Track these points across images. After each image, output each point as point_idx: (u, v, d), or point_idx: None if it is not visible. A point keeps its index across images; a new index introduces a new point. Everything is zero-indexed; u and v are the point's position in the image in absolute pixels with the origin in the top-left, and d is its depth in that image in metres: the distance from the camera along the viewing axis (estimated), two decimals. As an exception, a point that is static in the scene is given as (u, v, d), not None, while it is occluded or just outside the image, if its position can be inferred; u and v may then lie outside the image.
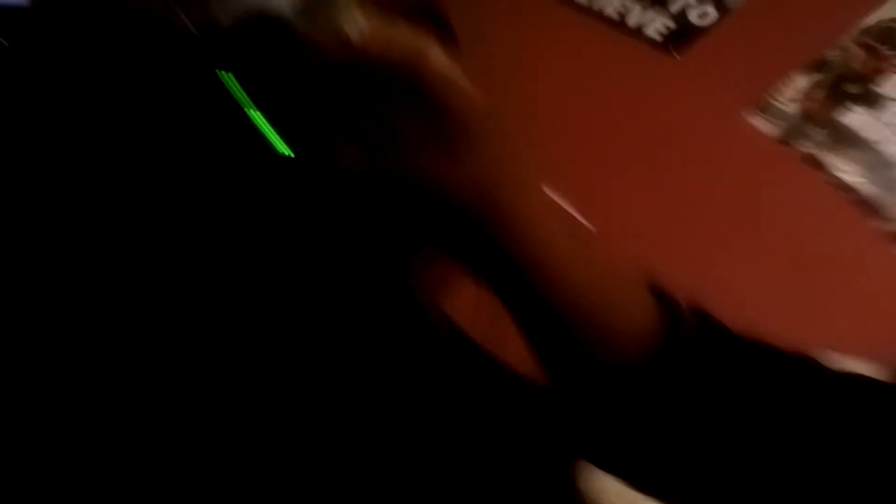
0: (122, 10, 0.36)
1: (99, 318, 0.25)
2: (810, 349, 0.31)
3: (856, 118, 1.09)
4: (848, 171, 1.08)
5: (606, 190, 1.10)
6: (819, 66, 1.13)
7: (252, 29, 0.35)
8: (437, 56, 0.24)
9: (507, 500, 0.34)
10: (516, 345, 0.32)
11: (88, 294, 0.25)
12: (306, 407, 0.27)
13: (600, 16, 1.34)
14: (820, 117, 1.11)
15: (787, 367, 0.30)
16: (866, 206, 1.05)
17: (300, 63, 0.26)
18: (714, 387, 0.28)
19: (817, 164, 1.09)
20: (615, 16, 1.34)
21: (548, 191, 0.29)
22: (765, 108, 1.12)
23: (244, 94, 0.36)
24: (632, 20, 1.33)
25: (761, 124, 1.11)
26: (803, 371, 0.30)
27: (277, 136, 0.36)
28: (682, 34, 1.27)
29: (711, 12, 1.25)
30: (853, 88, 1.12)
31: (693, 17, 1.27)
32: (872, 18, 1.12)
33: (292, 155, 0.35)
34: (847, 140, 1.09)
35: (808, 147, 1.10)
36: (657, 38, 1.31)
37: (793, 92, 1.12)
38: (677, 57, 1.25)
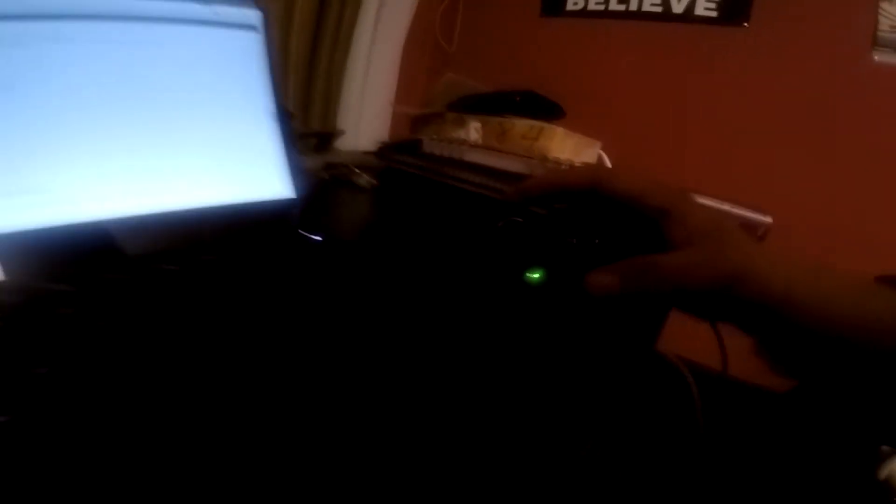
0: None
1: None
2: None
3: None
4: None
5: (769, 177, 0.98)
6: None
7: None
8: (608, 170, 0.33)
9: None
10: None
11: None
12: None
13: (646, 15, 1.26)
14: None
15: None
16: None
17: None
18: None
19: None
20: (659, 9, 1.26)
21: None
22: (886, 42, 1.00)
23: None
24: (677, 8, 1.25)
25: (890, 58, 0.98)
26: None
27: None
28: (734, 2, 1.17)
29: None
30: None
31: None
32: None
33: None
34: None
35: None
36: (712, 14, 1.22)
37: None
38: (746, 25, 1.15)
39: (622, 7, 1.28)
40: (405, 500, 0.22)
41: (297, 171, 0.48)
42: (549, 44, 1.35)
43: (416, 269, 0.42)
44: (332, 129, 1.08)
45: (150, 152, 0.41)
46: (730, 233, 0.33)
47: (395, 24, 1.29)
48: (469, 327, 0.36)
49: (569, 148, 0.71)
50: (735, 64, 1.13)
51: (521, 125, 0.66)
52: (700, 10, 1.23)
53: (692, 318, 0.36)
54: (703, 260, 0.31)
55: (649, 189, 0.32)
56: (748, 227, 0.68)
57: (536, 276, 0.43)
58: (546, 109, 0.71)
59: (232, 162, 0.45)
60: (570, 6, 1.36)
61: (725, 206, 0.70)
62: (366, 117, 1.22)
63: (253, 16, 0.49)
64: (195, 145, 0.43)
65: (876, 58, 1.00)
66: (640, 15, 1.27)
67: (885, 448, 0.43)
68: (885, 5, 1.01)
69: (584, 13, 1.33)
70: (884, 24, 1.02)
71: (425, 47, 1.46)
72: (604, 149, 0.90)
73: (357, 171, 0.74)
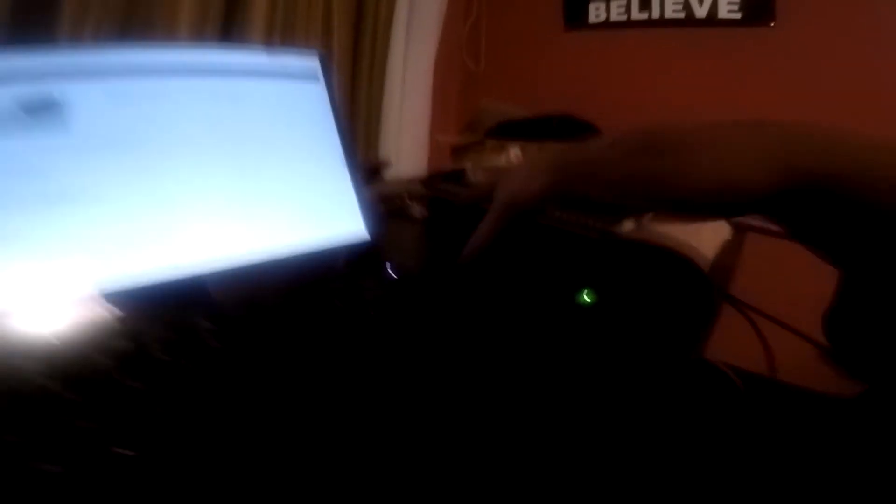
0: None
1: None
2: None
3: None
4: None
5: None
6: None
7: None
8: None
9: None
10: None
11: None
12: None
13: (669, 22, 1.28)
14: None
15: None
16: None
17: None
18: None
19: None
20: (681, 15, 1.28)
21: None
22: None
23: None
24: (699, 12, 1.26)
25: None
26: None
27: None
28: (755, 1, 1.18)
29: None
30: None
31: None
32: None
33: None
34: None
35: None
36: (736, 16, 1.23)
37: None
38: (773, 25, 1.16)
39: (644, 15, 1.31)
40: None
41: (370, 210, 0.53)
42: (576, 57, 1.39)
43: (485, 299, 0.46)
44: (378, 160, 1.14)
45: (238, 203, 0.46)
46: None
47: (423, 50, 1.35)
48: (531, 344, 0.39)
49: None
50: (764, 64, 1.15)
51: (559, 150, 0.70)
52: (724, 13, 1.24)
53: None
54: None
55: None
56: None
57: (588, 298, 0.48)
58: (581, 130, 0.75)
59: (313, 207, 0.50)
60: (592, 18, 1.39)
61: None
62: (404, 145, 1.28)
63: (314, 64, 0.54)
64: (278, 194, 0.48)
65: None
66: (662, 22, 1.29)
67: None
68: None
69: (607, 24, 1.36)
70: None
71: (453, 69, 1.51)
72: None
73: (409, 202, 0.79)
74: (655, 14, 1.30)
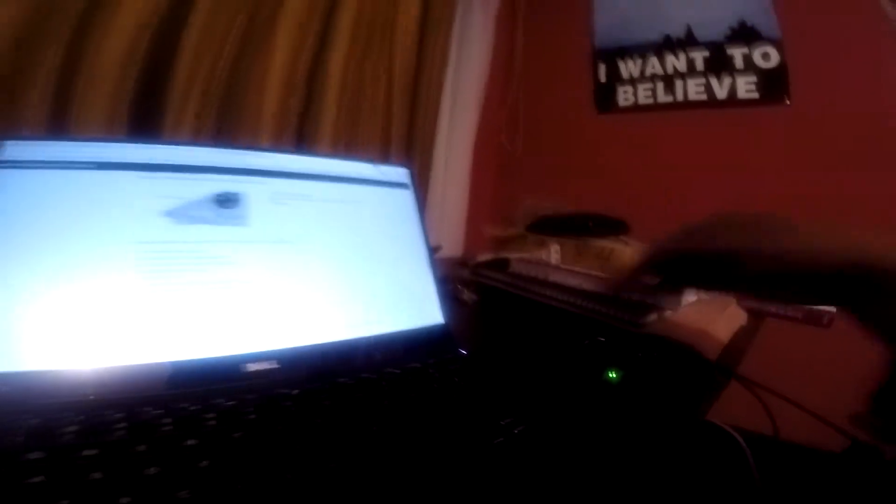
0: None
1: None
2: None
3: None
4: None
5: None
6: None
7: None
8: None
9: None
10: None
11: None
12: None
13: (692, 104, 1.37)
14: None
15: None
16: None
17: None
18: None
19: None
20: (703, 97, 1.37)
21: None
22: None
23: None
24: (720, 93, 1.36)
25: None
26: None
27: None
28: (771, 81, 1.27)
29: (772, 53, 1.27)
30: None
31: (760, 62, 1.29)
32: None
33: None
34: None
35: None
36: (754, 96, 1.32)
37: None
38: (788, 102, 1.25)
39: (669, 98, 1.42)
40: None
41: (444, 298, 0.63)
42: (608, 140, 1.51)
43: (536, 372, 0.57)
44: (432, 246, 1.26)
45: (350, 290, 0.56)
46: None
47: (463, 136, 1.48)
48: (571, 408, 0.50)
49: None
50: (780, 138, 1.23)
51: (595, 247, 0.81)
52: (742, 94, 1.34)
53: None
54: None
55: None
56: (812, 316, 0.77)
57: (614, 375, 0.57)
58: (614, 227, 0.85)
59: (406, 295, 0.60)
60: (621, 102, 1.51)
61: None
62: (446, 231, 1.40)
63: (404, 173, 0.66)
64: (378, 285, 0.58)
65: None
66: (686, 105, 1.40)
67: None
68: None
69: (635, 108, 1.48)
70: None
71: (490, 154, 1.64)
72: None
73: (460, 287, 0.90)
74: (679, 97, 1.41)
